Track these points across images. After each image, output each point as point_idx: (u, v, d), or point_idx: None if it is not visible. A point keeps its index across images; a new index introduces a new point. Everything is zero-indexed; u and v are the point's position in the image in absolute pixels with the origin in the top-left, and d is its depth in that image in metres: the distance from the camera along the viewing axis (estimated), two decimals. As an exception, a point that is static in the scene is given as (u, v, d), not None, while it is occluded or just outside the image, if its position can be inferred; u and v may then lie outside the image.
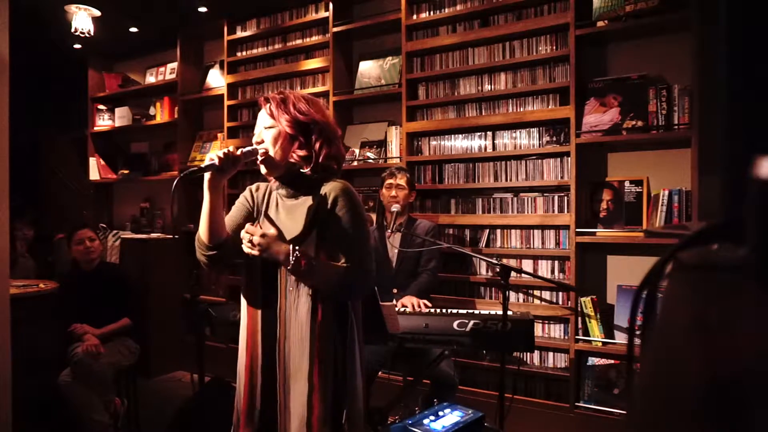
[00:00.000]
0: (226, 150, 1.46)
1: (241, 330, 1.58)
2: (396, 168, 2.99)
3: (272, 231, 1.48)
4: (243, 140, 4.31)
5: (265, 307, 1.53)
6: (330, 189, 1.53)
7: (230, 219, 1.60)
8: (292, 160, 1.54)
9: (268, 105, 1.55)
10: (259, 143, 1.55)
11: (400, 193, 2.90)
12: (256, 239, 1.43)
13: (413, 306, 2.59)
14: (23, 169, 4.52)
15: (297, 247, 1.44)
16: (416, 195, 3.19)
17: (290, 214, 1.56)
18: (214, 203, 1.48)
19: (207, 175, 1.46)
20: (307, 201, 1.55)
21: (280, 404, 1.49)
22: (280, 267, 1.50)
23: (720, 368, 0.34)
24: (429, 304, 2.63)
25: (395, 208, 2.86)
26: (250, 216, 1.62)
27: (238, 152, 1.48)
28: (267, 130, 1.54)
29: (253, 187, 1.68)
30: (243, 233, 1.46)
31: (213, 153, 1.47)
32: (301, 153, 1.53)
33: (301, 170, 1.55)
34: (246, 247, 1.45)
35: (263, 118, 1.56)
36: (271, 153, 1.53)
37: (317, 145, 1.54)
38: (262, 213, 1.61)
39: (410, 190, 2.95)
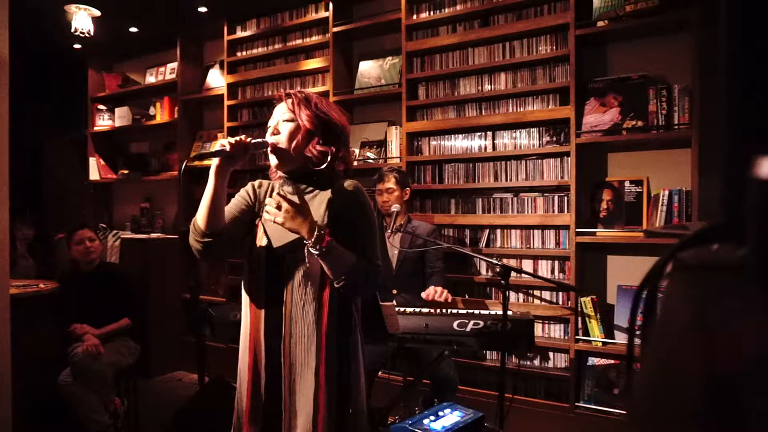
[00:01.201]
0: (238, 137, 1.44)
1: (243, 329, 1.57)
2: (385, 170, 2.96)
3: (298, 201, 1.45)
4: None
5: (270, 304, 1.51)
6: (342, 187, 1.54)
7: (228, 210, 1.56)
8: (309, 155, 1.52)
9: (289, 100, 1.54)
10: (274, 134, 1.53)
11: (391, 196, 2.89)
12: (285, 204, 1.40)
13: (437, 293, 2.63)
14: (23, 169, 4.52)
15: (319, 224, 1.43)
16: (414, 193, 3.19)
17: None
18: (217, 189, 1.44)
19: (215, 161, 1.44)
20: (314, 198, 1.55)
21: (285, 402, 1.48)
22: (286, 263, 1.49)
23: (720, 368, 0.34)
24: (450, 298, 2.67)
25: (395, 208, 2.86)
26: (250, 211, 1.60)
27: (249, 140, 1.46)
28: (285, 123, 1.53)
29: (256, 183, 1.66)
30: (269, 200, 1.42)
31: (224, 139, 1.44)
32: (321, 149, 1.51)
33: (312, 167, 1.53)
34: (270, 214, 1.41)
35: (281, 111, 1.55)
36: (286, 146, 1.51)
37: (334, 146, 1.54)
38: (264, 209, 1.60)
39: (402, 188, 2.93)
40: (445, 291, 2.66)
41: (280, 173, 1.60)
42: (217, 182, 1.44)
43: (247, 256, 1.58)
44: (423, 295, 2.67)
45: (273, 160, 1.55)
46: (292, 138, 1.51)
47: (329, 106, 1.57)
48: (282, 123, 1.53)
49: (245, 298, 1.58)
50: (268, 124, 1.58)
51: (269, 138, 1.53)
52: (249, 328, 1.55)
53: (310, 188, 1.57)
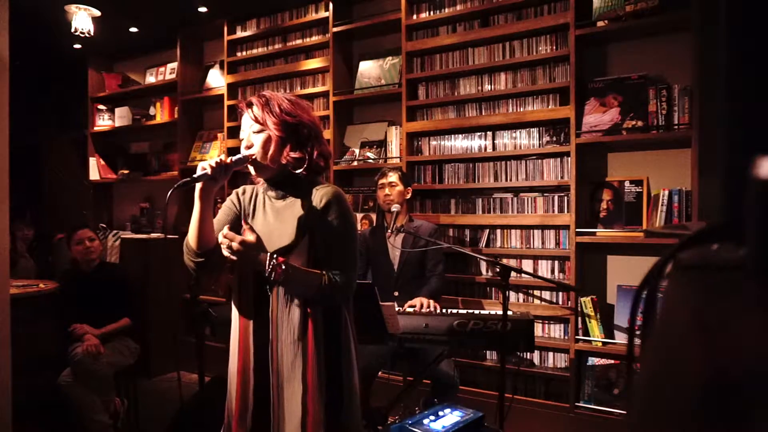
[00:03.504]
0: (218, 159, 1.45)
1: (232, 332, 1.58)
2: (387, 168, 3.00)
3: (251, 238, 1.45)
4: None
5: (257, 309, 1.53)
6: (322, 194, 1.53)
7: (218, 223, 1.59)
8: (284, 162, 1.53)
9: (251, 109, 1.54)
10: (249, 147, 1.54)
11: (393, 191, 2.89)
12: (235, 245, 1.41)
13: (423, 305, 2.58)
14: (23, 169, 4.52)
15: (275, 256, 1.44)
16: (414, 193, 3.18)
17: (279, 216, 1.56)
18: (204, 211, 1.48)
19: (198, 184, 1.46)
20: (296, 203, 1.55)
21: (274, 405, 1.49)
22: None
23: (720, 368, 0.34)
24: (439, 307, 2.62)
25: (395, 208, 2.85)
26: (238, 219, 1.61)
27: (229, 160, 1.47)
28: (256, 135, 1.53)
29: (239, 190, 1.67)
30: (221, 238, 1.43)
31: (204, 162, 1.46)
32: (295, 155, 1.52)
33: (292, 171, 1.55)
34: (225, 252, 1.44)
35: (248, 122, 1.55)
36: (262, 157, 1.53)
37: (309, 146, 1.54)
38: (250, 215, 1.61)
39: (404, 186, 2.94)
40: (432, 303, 2.61)
41: (261, 179, 1.62)
42: (202, 204, 1.47)
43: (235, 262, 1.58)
44: (408, 305, 2.64)
45: (252, 171, 1.58)
46: (266, 149, 1.52)
47: (292, 104, 1.56)
48: (253, 135, 1.54)
49: (235, 301, 1.59)
50: (240, 137, 1.59)
51: (244, 152, 1.54)
52: (238, 331, 1.56)
53: (291, 193, 1.57)
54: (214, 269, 1.55)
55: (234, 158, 1.49)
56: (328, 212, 1.51)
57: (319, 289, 1.47)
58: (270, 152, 1.52)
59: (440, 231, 3.10)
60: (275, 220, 1.55)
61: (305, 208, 1.53)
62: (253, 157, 1.53)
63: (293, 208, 1.55)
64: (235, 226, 1.60)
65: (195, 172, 1.47)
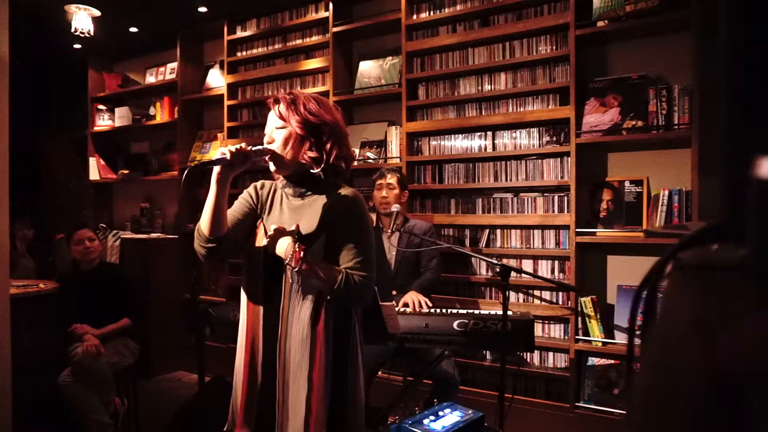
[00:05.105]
0: (238, 146, 1.46)
1: (240, 327, 1.58)
2: (386, 169, 2.99)
3: (275, 226, 1.49)
4: (243, 140, 4.31)
5: (267, 305, 1.53)
6: (342, 196, 1.54)
7: (231, 214, 1.59)
8: (302, 161, 1.54)
9: (277, 106, 1.55)
10: (270, 143, 1.55)
11: (391, 193, 2.88)
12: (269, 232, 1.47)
13: (414, 304, 2.59)
14: (23, 169, 4.52)
15: (297, 242, 1.45)
16: (414, 193, 3.18)
17: (295, 214, 1.56)
18: (219, 197, 1.47)
19: (216, 169, 1.46)
20: (314, 202, 1.56)
21: (279, 402, 1.49)
22: (284, 264, 1.50)
23: (720, 368, 0.34)
24: (430, 303, 2.62)
25: (395, 208, 2.85)
26: (253, 213, 1.61)
27: (249, 149, 1.48)
28: (278, 131, 1.54)
29: (258, 184, 1.67)
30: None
31: (225, 147, 1.47)
32: (312, 154, 1.53)
33: (311, 170, 1.55)
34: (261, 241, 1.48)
35: (273, 118, 1.56)
36: (282, 153, 1.53)
37: (327, 146, 1.54)
38: (266, 211, 1.61)
39: (402, 189, 2.93)
40: (422, 300, 2.61)
41: (280, 176, 1.62)
42: (218, 189, 1.47)
43: (246, 256, 1.59)
44: (400, 303, 2.63)
45: (272, 167, 1.58)
46: (285, 145, 1.53)
47: (319, 104, 1.57)
48: (275, 131, 1.55)
49: (244, 297, 1.59)
50: (265, 131, 1.60)
51: (266, 146, 1.55)
52: (246, 327, 1.56)
53: (309, 192, 1.58)
54: (224, 257, 1.56)
55: (254, 148, 1.50)
56: (347, 214, 1.52)
57: (336, 286, 1.46)
58: (289, 149, 1.53)
59: (435, 230, 3.10)
60: (290, 217, 1.56)
61: (324, 208, 1.53)
62: (274, 151, 1.54)
63: (311, 207, 1.55)
64: (249, 220, 1.60)
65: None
